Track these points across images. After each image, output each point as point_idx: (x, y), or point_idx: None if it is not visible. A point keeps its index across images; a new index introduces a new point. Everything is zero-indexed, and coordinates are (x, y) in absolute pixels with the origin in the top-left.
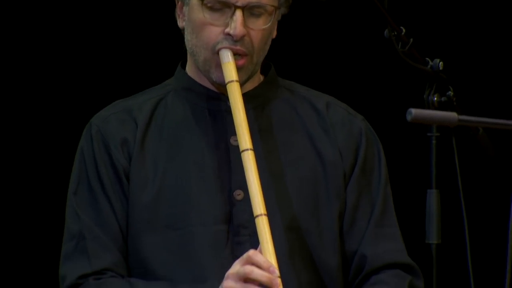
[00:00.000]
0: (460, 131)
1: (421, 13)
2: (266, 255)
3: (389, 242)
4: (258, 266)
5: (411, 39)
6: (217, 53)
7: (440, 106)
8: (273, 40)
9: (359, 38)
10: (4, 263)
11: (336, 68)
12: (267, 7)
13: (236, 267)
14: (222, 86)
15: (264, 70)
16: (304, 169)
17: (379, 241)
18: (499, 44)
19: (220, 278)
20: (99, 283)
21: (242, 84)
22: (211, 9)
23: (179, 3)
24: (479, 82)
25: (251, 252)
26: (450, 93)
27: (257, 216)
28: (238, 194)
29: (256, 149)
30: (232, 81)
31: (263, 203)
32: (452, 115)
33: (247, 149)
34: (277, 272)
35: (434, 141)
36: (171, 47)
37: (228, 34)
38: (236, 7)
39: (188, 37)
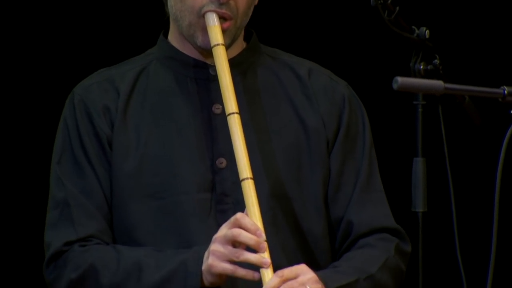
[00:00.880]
0: (446, 99)
1: None
2: (252, 218)
3: (375, 207)
4: (245, 229)
5: (397, 7)
6: (203, 16)
7: (426, 75)
8: (255, 7)
9: (344, 5)
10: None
11: (321, 36)
12: None
13: (223, 230)
14: (206, 51)
15: (247, 37)
16: (287, 136)
17: (366, 206)
18: (485, 12)
19: (205, 245)
20: (84, 249)
21: (226, 48)
22: None
23: None
24: (465, 50)
25: (239, 215)
26: (436, 61)
27: (243, 179)
28: (221, 163)
29: (240, 114)
30: (218, 44)
31: (249, 166)
32: (438, 83)
33: (233, 113)
34: (263, 236)
35: (420, 110)
36: (153, 15)
37: None
38: None
39: (171, 2)
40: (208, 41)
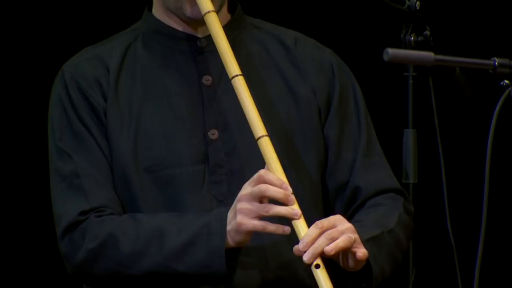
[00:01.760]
0: (437, 71)
1: None
2: (275, 173)
3: (379, 171)
4: (271, 184)
5: None
6: None
7: (417, 46)
8: None
9: None
10: None
11: (311, 7)
12: None
13: (248, 188)
14: (195, 22)
15: (231, 9)
16: (278, 106)
17: (369, 171)
18: None
19: (227, 207)
20: (101, 220)
21: None
22: None
23: None
24: (456, 21)
25: (262, 171)
26: (427, 32)
27: (258, 138)
28: (213, 134)
29: (230, 87)
30: (209, 11)
31: (262, 124)
32: (429, 55)
33: (237, 75)
34: (290, 189)
35: (411, 81)
36: None
37: None
38: None
39: None
40: (197, 11)
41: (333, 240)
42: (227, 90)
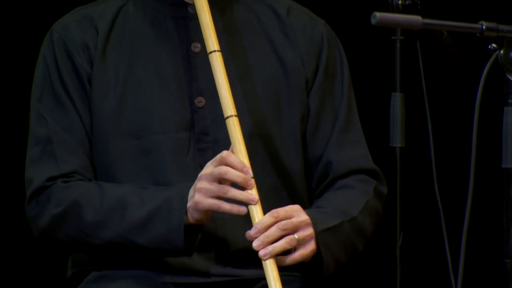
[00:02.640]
0: (424, 34)
1: None
2: (238, 155)
3: (353, 148)
4: (232, 167)
5: None
6: None
7: (405, 10)
8: None
9: None
10: None
11: None
12: None
13: (210, 168)
14: None
15: None
16: (266, 75)
17: (344, 147)
18: None
19: (189, 183)
20: (67, 185)
21: None
22: None
23: None
24: None
25: (225, 153)
26: None
27: (227, 117)
28: (200, 101)
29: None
30: None
31: (233, 104)
32: (416, 18)
33: (215, 51)
34: (251, 173)
35: (398, 45)
36: None
37: None
38: None
39: None
40: None
41: (285, 231)
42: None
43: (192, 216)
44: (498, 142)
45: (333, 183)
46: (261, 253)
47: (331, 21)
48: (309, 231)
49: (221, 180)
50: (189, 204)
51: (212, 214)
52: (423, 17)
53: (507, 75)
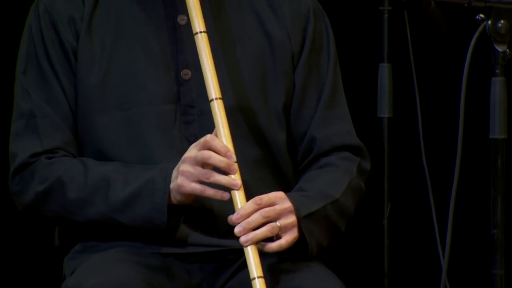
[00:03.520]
0: (412, 5)
1: None
2: (222, 139)
3: (338, 124)
4: (215, 151)
5: None
6: None
7: None
8: None
9: None
10: None
11: None
12: None
13: (193, 151)
14: None
15: None
16: (252, 49)
17: (329, 123)
18: None
19: (168, 158)
20: (51, 162)
21: None
22: None
23: None
24: None
25: (208, 137)
26: None
27: (212, 100)
28: (186, 74)
29: (206, 26)
30: None
31: (218, 87)
32: None
33: (200, 32)
34: (234, 157)
35: (386, 15)
36: None
37: None
38: None
39: None
40: None
41: (268, 218)
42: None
43: (175, 198)
44: (486, 113)
45: (317, 160)
46: (242, 239)
47: None
48: (292, 218)
49: (204, 164)
50: (172, 185)
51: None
52: None
53: (495, 46)
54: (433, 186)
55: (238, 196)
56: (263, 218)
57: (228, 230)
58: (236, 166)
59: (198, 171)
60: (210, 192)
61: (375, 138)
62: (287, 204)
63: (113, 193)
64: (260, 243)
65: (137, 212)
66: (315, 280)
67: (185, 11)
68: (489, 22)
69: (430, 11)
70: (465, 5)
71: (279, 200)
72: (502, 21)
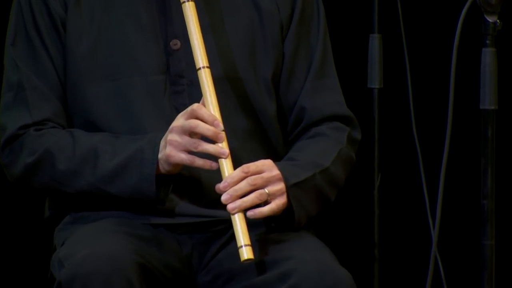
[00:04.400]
0: None
1: None
2: (209, 108)
3: (328, 94)
4: (203, 120)
5: None
6: None
7: None
8: None
9: None
10: None
11: None
12: None
13: (180, 120)
14: None
15: None
16: (241, 19)
17: (318, 93)
18: None
19: (159, 128)
20: (40, 133)
21: None
22: None
23: None
24: None
25: (195, 106)
26: None
27: (199, 68)
28: (175, 44)
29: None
30: None
31: (205, 55)
32: None
33: (188, 0)
34: (221, 126)
35: None
36: None
37: None
38: None
39: None
40: None
41: (255, 186)
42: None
43: (163, 168)
44: (476, 84)
45: (307, 130)
46: (229, 207)
47: None
48: (280, 185)
49: (191, 133)
50: (160, 155)
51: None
52: None
53: (485, 16)
54: (423, 156)
55: (226, 165)
56: (250, 186)
57: (217, 201)
58: (223, 134)
59: (185, 140)
60: (199, 162)
61: (365, 109)
62: (275, 171)
63: (102, 164)
64: (249, 210)
65: (126, 182)
66: (304, 250)
67: None
68: None
69: None
70: None
71: (266, 168)
72: None
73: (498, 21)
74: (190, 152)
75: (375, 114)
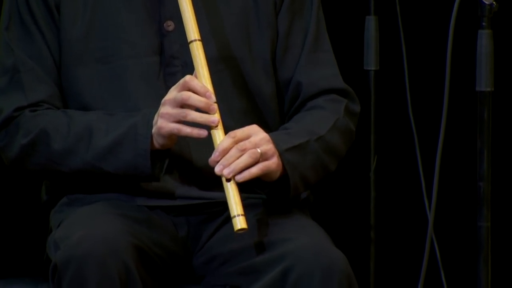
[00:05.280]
0: None
1: None
2: (201, 80)
3: (323, 68)
4: (195, 92)
5: None
6: None
7: None
8: None
9: None
10: None
11: None
12: None
13: (173, 93)
14: None
15: None
16: (235, 2)
17: (314, 67)
18: None
19: (153, 109)
20: (35, 114)
21: None
22: None
23: None
24: None
25: (187, 77)
26: None
27: (191, 41)
28: (169, 25)
29: None
30: None
31: (197, 28)
32: None
33: None
34: (213, 97)
35: None
36: None
37: None
38: None
39: None
40: None
41: (244, 151)
42: None
43: (157, 142)
44: (472, 65)
45: (304, 105)
46: (225, 172)
47: None
48: (269, 146)
49: (184, 105)
50: (153, 129)
51: (185, 138)
52: None
53: None
54: (419, 138)
55: (218, 135)
56: (240, 152)
57: (213, 182)
58: (215, 106)
59: (176, 111)
60: (187, 130)
61: (361, 91)
62: (262, 134)
63: (96, 141)
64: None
65: (121, 158)
66: (300, 232)
67: None
68: None
69: None
70: None
71: (253, 131)
72: None
73: (494, 3)
74: (182, 123)
75: (371, 96)
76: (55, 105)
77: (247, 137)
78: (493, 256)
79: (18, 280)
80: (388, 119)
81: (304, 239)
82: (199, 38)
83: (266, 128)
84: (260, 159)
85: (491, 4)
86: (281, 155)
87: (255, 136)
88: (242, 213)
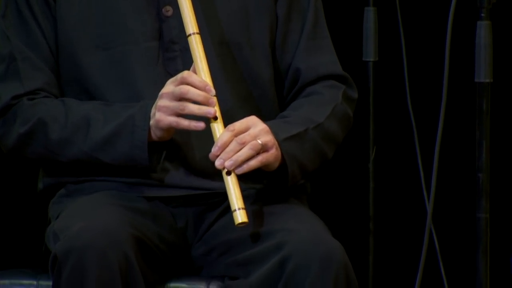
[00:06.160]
0: None
1: None
2: (200, 74)
3: (322, 54)
4: (194, 87)
5: None
6: None
7: None
8: None
9: None
10: None
11: None
12: None
13: (170, 87)
14: None
15: None
16: None
17: (312, 53)
18: None
19: (154, 94)
20: (33, 103)
21: None
22: None
23: None
24: None
25: (185, 73)
26: None
27: (189, 34)
28: (167, 10)
29: None
30: None
31: (195, 21)
32: None
33: None
34: (213, 91)
35: None
36: None
37: None
38: None
39: None
40: None
41: (243, 144)
42: None
43: (155, 134)
44: (471, 57)
45: (302, 90)
46: (227, 164)
47: None
48: (269, 137)
49: (182, 99)
50: (151, 122)
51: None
52: None
53: None
54: (418, 129)
55: (217, 128)
56: (239, 145)
57: (211, 173)
58: (214, 99)
59: (174, 104)
60: (184, 123)
61: (360, 82)
62: (261, 125)
63: (94, 132)
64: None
65: (118, 149)
66: (298, 222)
67: None
68: None
69: None
70: None
71: (252, 123)
72: None
73: None
74: (180, 116)
75: (370, 87)
76: (52, 92)
77: (246, 129)
78: (492, 247)
79: (17, 271)
80: (387, 110)
81: (302, 229)
82: (198, 31)
83: (266, 113)
84: (261, 150)
85: None
86: (279, 144)
87: (254, 128)
88: (243, 206)
